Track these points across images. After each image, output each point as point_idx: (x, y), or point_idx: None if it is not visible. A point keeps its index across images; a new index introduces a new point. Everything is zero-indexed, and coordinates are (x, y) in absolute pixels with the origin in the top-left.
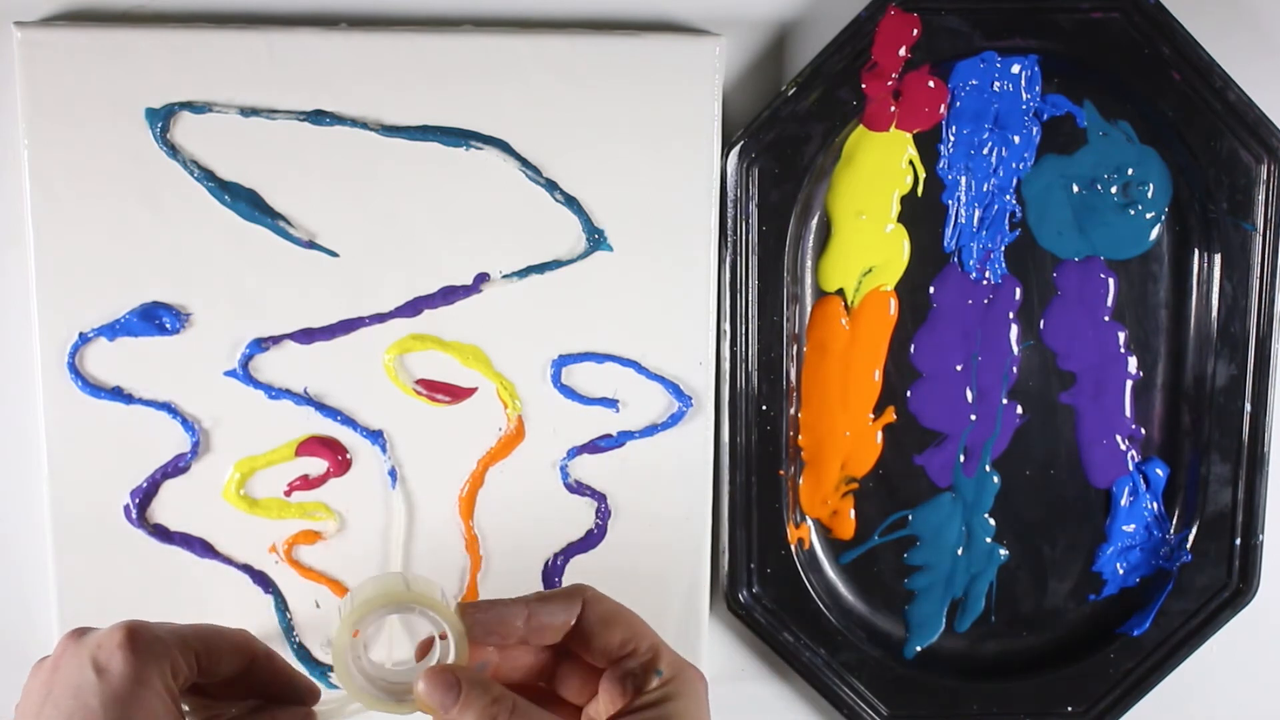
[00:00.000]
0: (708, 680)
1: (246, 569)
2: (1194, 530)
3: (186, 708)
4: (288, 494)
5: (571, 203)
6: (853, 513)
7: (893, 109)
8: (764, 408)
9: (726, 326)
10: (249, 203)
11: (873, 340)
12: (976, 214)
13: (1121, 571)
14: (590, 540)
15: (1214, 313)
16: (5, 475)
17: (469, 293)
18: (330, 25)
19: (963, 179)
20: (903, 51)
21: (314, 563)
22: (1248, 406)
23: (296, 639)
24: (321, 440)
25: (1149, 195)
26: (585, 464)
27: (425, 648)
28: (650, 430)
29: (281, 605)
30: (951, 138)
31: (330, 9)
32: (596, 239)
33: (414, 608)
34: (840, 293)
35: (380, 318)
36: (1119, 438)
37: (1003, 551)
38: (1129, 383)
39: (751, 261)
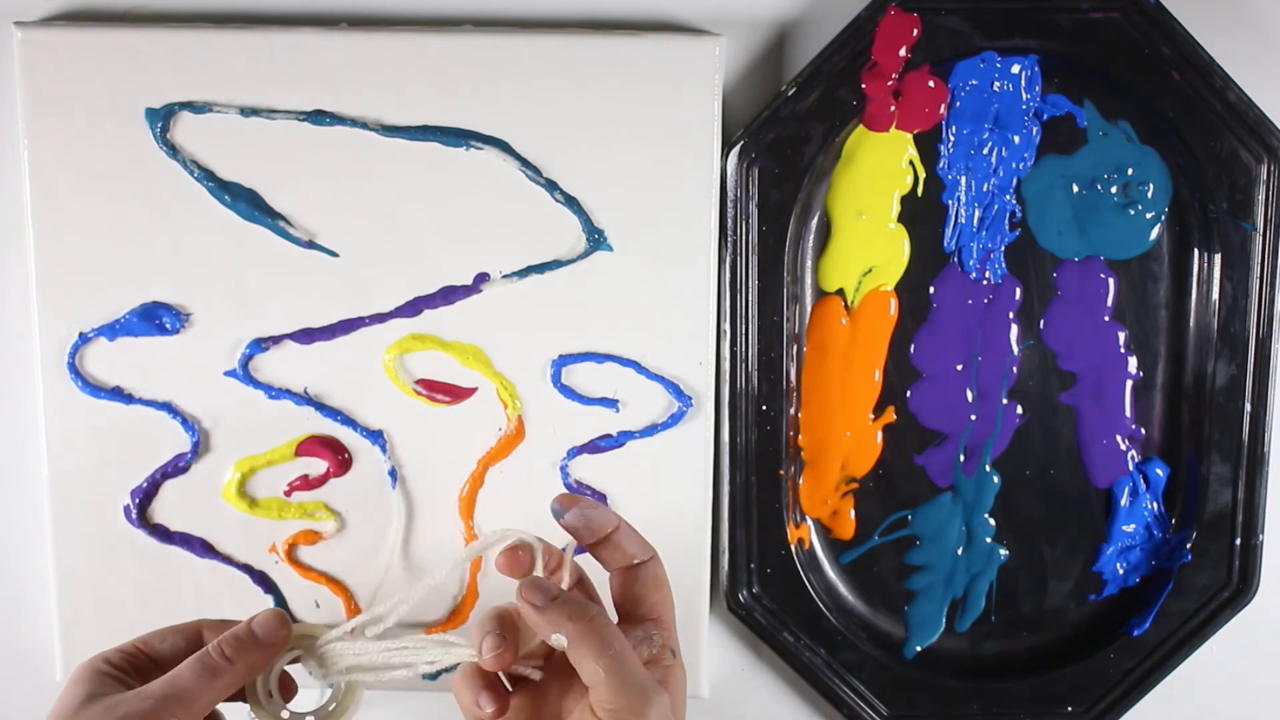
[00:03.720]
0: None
1: (246, 569)
2: (1194, 530)
3: None
4: (288, 494)
5: (571, 203)
6: (853, 513)
7: (893, 109)
8: (764, 408)
9: (726, 326)
10: (249, 203)
11: (873, 340)
12: (976, 214)
13: (1122, 571)
14: None
15: (1214, 313)
16: (5, 475)
17: (469, 293)
18: (330, 25)
19: (963, 179)
20: (903, 51)
21: (314, 563)
22: (1248, 406)
23: None
24: (321, 440)
25: (1149, 195)
26: (585, 464)
27: (513, 559)
28: (650, 430)
29: (281, 605)
30: (951, 138)
31: (330, 9)
32: (596, 239)
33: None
34: (840, 293)
35: (380, 318)
36: (1119, 438)
37: (1003, 551)
38: (1129, 383)
39: (751, 261)
